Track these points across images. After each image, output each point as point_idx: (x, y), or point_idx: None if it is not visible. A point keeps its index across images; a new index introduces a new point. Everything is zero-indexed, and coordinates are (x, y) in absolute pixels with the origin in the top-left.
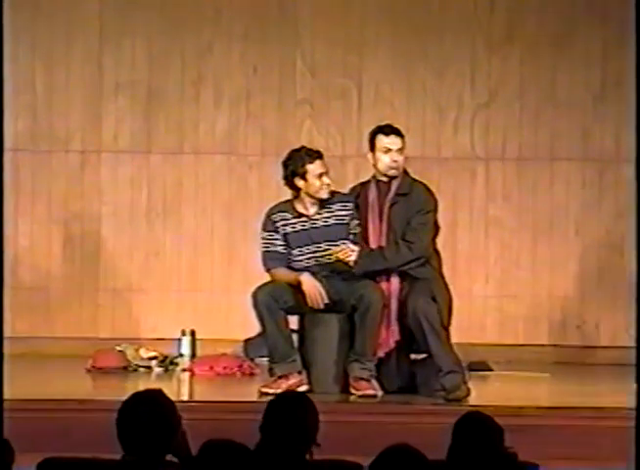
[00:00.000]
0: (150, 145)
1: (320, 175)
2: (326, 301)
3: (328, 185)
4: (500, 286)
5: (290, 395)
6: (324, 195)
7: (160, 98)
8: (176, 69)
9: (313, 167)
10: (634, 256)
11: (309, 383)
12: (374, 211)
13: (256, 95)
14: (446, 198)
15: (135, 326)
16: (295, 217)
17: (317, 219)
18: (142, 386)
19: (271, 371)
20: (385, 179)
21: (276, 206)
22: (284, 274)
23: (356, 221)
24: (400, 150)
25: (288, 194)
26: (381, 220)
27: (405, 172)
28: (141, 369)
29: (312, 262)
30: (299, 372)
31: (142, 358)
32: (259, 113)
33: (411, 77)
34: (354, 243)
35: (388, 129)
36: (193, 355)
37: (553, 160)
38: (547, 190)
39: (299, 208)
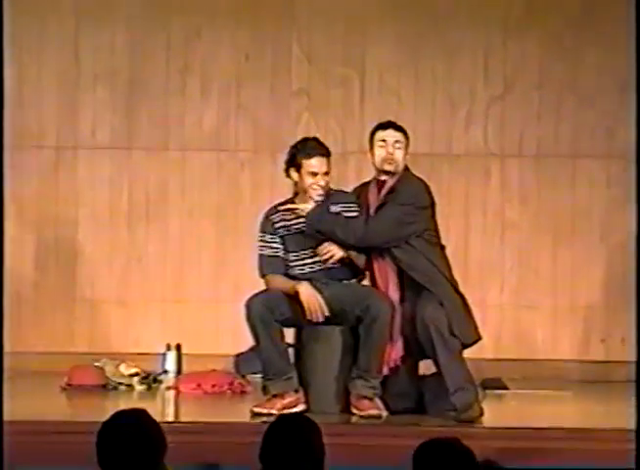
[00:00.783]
0: (131, 141)
1: (314, 174)
2: (326, 313)
3: (320, 187)
4: (517, 295)
5: (291, 417)
6: (314, 195)
7: (142, 89)
8: (160, 56)
9: (309, 163)
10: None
11: (307, 402)
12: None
13: (248, 85)
14: (458, 199)
15: (115, 340)
16: (295, 218)
17: None
18: (123, 405)
19: (265, 389)
20: (383, 178)
21: (276, 205)
22: (280, 282)
23: None
24: (398, 143)
25: (282, 194)
26: None
27: (407, 170)
28: (122, 387)
29: (311, 268)
30: (296, 390)
31: (123, 375)
32: (251, 104)
33: (418, 65)
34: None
35: (387, 123)
36: (179, 372)
37: (575, 157)
38: (569, 190)
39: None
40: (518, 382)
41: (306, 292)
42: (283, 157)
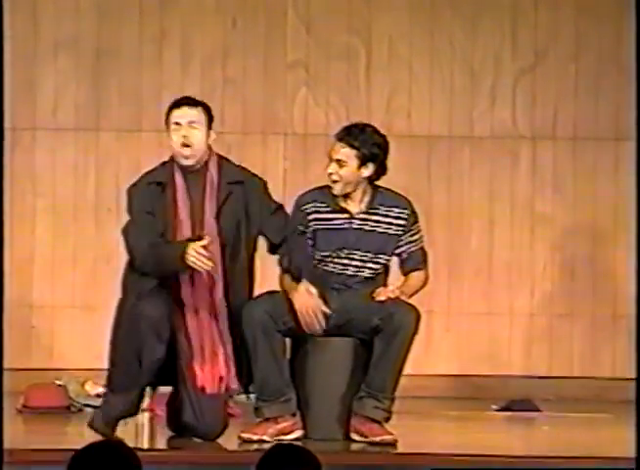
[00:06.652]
0: (99, 120)
1: (334, 160)
2: (323, 326)
3: (329, 175)
4: (550, 302)
5: (285, 448)
6: (331, 186)
7: (111, 60)
8: (132, 22)
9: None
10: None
11: (304, 427)
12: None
13: (236, 56)
14: (481, 188)
15: (80, 354)
16: (332, 212)
17: (363, 220)
18: (89, 431)
19: (258, 411)
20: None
21: (311, 192)
22: (287, 283)
23: (415, 237)
24: (195, 123)
25: (276, 183)
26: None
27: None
28: (88, 409)
29: (335, 270)
30: (293, 414)
31: (89, 395)
32: (240, 79)
33: (435, 32)
34: (410, 261)
35: (182, 100)
36: (154, 391)
37: (618, 139)
38: (610, 178)
39: (342, 200)
40: (551, 403)
41: (302, 297)
42: (275, 139)
